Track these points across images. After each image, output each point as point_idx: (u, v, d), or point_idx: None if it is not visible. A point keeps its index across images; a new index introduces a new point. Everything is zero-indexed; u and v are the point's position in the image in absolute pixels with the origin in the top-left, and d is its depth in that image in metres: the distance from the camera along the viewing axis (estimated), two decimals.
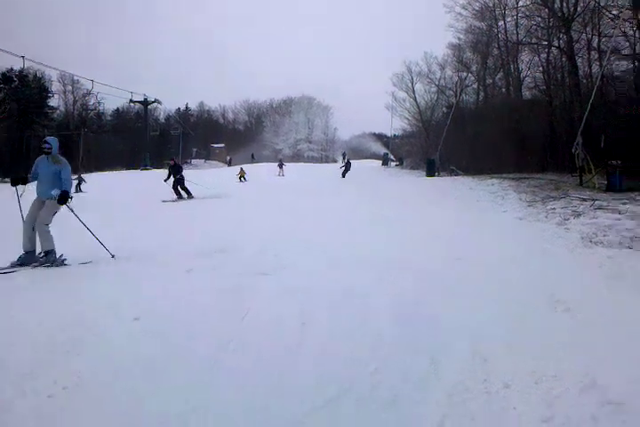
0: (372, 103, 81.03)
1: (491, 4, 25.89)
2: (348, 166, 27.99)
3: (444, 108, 32.87)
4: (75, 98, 54.64)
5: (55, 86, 50.75)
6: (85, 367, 3.31)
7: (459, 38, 28.88)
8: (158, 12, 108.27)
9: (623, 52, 16.99)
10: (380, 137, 69.62)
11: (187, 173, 17.87)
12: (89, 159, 45.41)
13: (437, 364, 3.38)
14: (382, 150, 55.38)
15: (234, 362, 3.44)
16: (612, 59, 16.80)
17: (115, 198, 16.62)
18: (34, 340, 3.73)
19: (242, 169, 29.20)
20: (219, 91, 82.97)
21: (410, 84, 36.80)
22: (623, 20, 15.29)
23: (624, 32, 16.15)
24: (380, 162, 47.49)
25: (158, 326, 4.04)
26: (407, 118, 39.56)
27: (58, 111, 52.59)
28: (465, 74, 30.37)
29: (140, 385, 3.10)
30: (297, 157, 69.96)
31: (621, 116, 16.20)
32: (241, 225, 9.35)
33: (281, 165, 33.60)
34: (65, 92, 54.17)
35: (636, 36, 15.87)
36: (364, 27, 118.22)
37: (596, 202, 9.58)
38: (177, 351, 3.59)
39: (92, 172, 37.65)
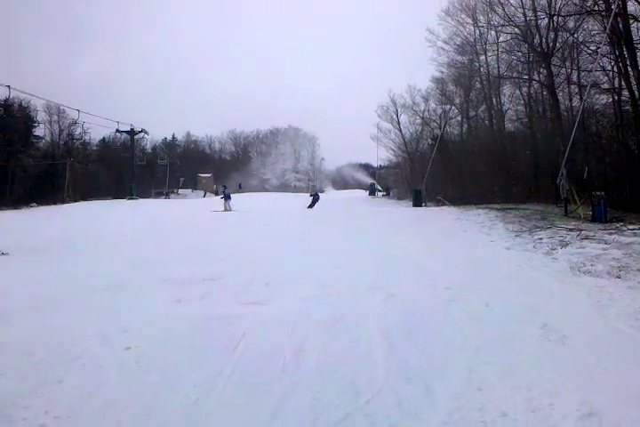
0: (357, 134, 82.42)
1: (472, 39, 26.67)
2: (315, 198, 29.90)
3: (428, 140, 33.32)
4: (60, 127, 54.49)
5: (41, 116, 50.44)
6: (77, 397, 3.27)
7: (441, 72, 29.64)
8: (141, 42, 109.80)
9: (602, 86, 17.46)
10: (366, 167, 70.30)
11: None
12: (75, 189, 45.02)
13: (432, 392, 3.35)
14: (368, 180, 55.91)
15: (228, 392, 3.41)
16: (591, 93, 17.23)
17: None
18: (24, 369, 3.71)
19: None
20: (205, 121, 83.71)
21: (394, 116, 37.41)
22: (601, 55, 15.76)
23: (602, 67, 16.64)
24: (366, 192, 47.96)
25: (150, 356, 4.01)
26: (393, 149, 40.17)
27: (43, 141, 52.24)
28: (448, 106, 30.93)
29: (131, 416, 3.06)
30: (284, 187, 70.21)
31: (603, 149, 16.53)
32: None
33: (226, 197, 26.23)
34: (51, 122, 53.98)
35: (615, 70, 16.32)
36: (349, 57, 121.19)
37: (583, 232, 9.65)
38: (170, 381, 3.55)
39: (77, 201, 37.30)
